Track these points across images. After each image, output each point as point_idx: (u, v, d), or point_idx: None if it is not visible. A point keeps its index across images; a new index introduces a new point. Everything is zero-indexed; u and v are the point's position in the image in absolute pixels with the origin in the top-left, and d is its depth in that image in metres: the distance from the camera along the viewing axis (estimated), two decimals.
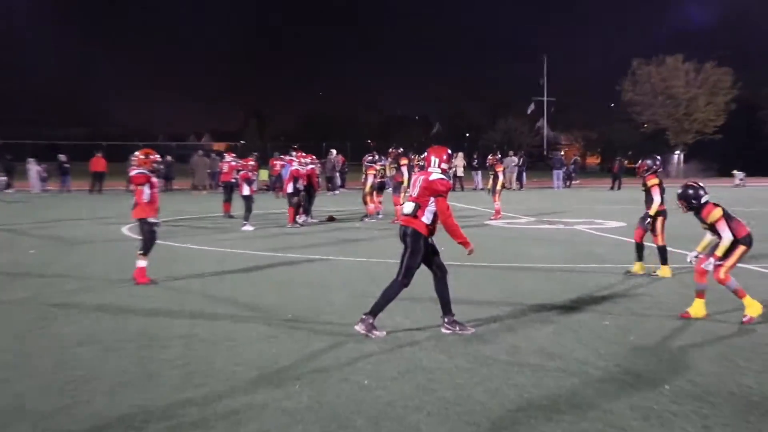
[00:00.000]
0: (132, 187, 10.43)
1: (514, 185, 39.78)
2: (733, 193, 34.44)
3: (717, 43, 69.80)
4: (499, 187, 20.86)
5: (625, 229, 17.60)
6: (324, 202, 26.35)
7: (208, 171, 37.31)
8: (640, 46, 68.97)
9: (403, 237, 7.35)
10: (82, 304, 8.83)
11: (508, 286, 10.09)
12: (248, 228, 17.60)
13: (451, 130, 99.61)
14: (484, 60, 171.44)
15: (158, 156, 10.71)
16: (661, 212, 10.98)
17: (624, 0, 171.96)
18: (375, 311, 7.26)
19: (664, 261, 10.90)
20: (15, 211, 24.43)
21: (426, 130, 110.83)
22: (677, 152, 63.94)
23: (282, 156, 29.93)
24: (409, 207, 7.42)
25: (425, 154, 7.84)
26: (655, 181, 11.05)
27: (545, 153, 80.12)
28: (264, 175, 36.37)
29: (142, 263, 10.18)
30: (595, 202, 28.94)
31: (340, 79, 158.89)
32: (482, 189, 35.55)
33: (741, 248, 7.94)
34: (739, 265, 8.23)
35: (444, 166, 7.49)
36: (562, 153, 62.40)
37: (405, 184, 18.72)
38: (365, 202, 20.63)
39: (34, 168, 37.04)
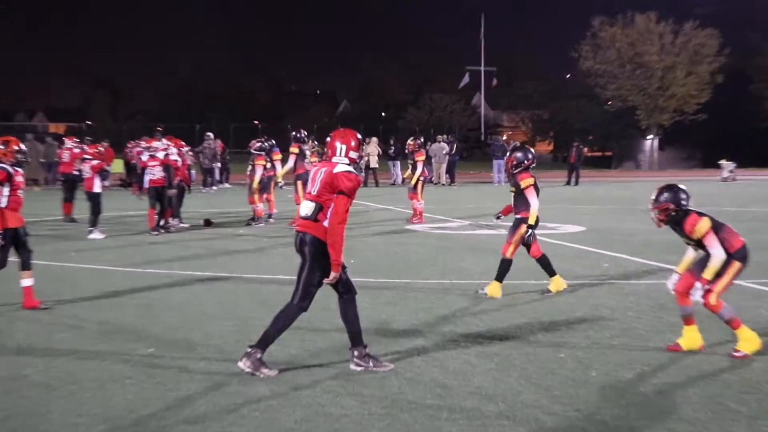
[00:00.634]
0: None
1: (444, 180, 40.18)
2: (721, 188, 35.27)
3: None
4: (414, 180, 20.99)
5: (585, 234, 17.97)
6: (198, 201, 26.04)
7: (43, 161, 36.69)
8: (602, 0, 69.65)
9: (301, 247, 7.33)
10: None
11: (436, 310, 10.15)
12: (97, 235, 17.37)
13: (363, 108, 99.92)
14: (405, 20, 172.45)
15: (22, 144, 10.46)
16: (523, 219, 11.01)
17: None
18: (264, 343, 7.22)
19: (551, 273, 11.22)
20: None
21: (331, 108, 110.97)
22: (650, 137, 64.57)
23: (147, 141, 29.50)
24: (307, 208, 7.39)
25: (328, 139, 7.78)
26: (530, 180, 11.02)
27: (483, 138, 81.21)
28: (118, 166, 35.81)
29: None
30: (547, 202, 29.29)
31: (216, 41, 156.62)
32: (402, 183, 35.76)
33: (735, 265, 7.88)
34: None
35: (352, 155, 7.49)
36: (505, 138, 63.10)
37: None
38: (252, 202, 20.54)
39: None
